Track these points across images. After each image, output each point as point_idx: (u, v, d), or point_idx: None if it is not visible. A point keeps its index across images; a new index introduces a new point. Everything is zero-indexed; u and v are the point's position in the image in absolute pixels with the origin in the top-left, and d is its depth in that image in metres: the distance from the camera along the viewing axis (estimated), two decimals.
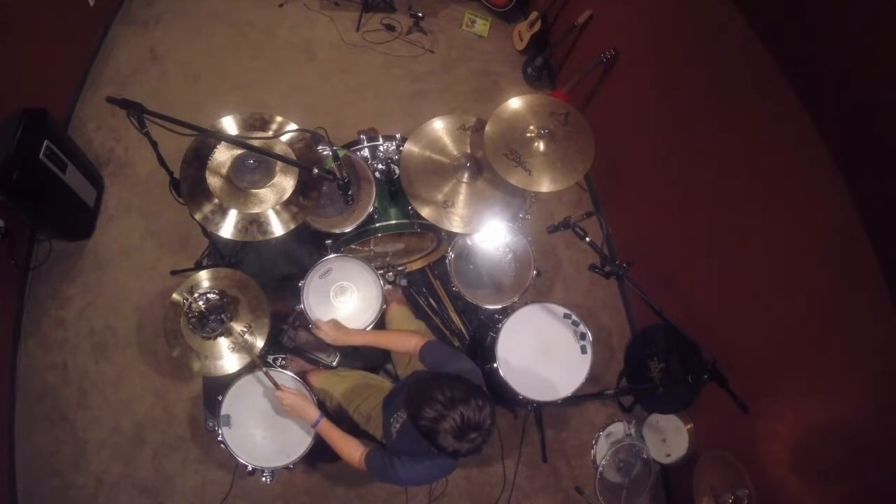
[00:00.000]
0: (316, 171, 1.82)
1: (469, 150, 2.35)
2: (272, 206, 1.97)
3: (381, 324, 2.26)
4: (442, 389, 1.41)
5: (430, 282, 2.83)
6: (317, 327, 1.96)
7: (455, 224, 2.26)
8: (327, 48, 3.61)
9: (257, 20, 3.63)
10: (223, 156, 1.99)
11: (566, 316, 2.32)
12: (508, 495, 2.63)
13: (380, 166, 2.34)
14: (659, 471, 2.69)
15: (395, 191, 2.33)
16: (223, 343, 2.03)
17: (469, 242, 2.51)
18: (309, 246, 2.70)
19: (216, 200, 1.94)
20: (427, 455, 1.57)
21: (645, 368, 2.63)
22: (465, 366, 1.68)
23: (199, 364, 2.03)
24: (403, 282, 2.67)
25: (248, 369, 2.04)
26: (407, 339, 1.86)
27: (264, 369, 1.94)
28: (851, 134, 1.71)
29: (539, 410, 2.74)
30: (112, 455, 2.52)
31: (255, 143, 1.89)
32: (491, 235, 2.47)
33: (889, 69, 1.54)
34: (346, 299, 2.24)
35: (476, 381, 1.57)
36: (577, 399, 2.53)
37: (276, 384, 1.92)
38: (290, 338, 2.55)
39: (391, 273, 2.64)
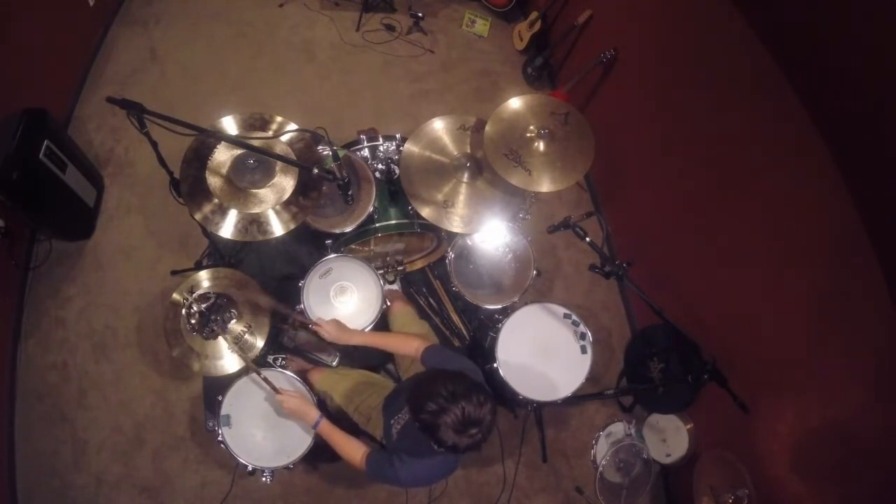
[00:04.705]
0: (316, 171, 1.82)
1: (469, 150, 2.35)
2: (272, 206, 1.97)
3: (381, 324, 2.26)
4: (444, 384, 1.42)
5: (430, 282, 2.83)
6: (318, 326, 1.96)
7: (455, 224, 2.26)
8: (327, 48, 3.61)
9: (257, 20, 3.63)
10: (223, 156, 1.99)
11: (566, 316, 2.32)
12: (508, 495, 2.63)
13: (380, 166, 2.34)
14: (659, 471, 2.69)
15: (395, 191, 2.33)
16: (223, 343, 2.02)
17: (469, 242, 2.51)
18: (309, 246, 2.70)
19: (216, 200, 1.94)
20: (427, 455, 1.57)
21: (645, 368, 2.63)
22: (466, 365, 1.69)
23: (199, 364, 2.03)
24: (402, 276, 2.67)
25: (248, 369, 2.03)
26: (409, 343, 1.86)
27: (262, 375, 1.93)
28: (851, 134, 1.71)
29: (539, 410, 2.74)
30: (112, 455, 2.52)
31: (255, 143, 1.89)
32: (491, 235, 2.47)
33: (889, 69, 1.54)
34: (346, 299, 2.24)
35: (477, 380, 1.58)
36: (577, 399, 2.53)
37: (274, 388, 1.91)
38: (290, 338, 2.56)
39: (391, 273, 2.64)
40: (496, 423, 1.50)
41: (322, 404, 2.12)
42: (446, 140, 2.36)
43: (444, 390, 1.40)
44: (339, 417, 2.13)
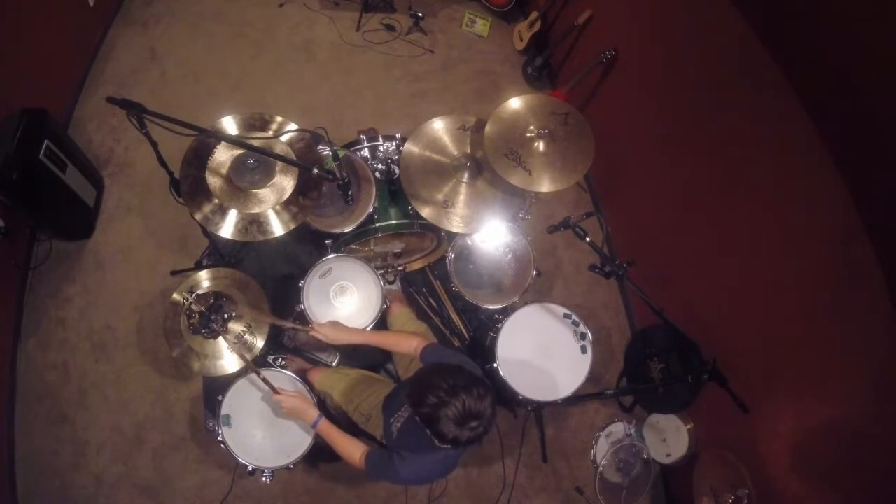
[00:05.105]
0: (316, 171, 1.82)
1: (469, 150, 2.35)
2: (272, 206, 1.97)
3: (381, 324, 2.26)
4: (444, 378, 1.42)
5: (430, 282, 2.83)
6: (315, 330, 1.92)
7: (455, 224, 2.26)
8: (327, 48, 3.61)
9: (257, 20, 3.63)
10: (223, 156, 1.99)
11: (566, 316, 2.32)
12: (508, 495, 2.63)
13: (380, 166, 2.34)
14: (659, 471, 2.69)
15: (395, 191, 2.33)
16: (223, 343, 2.02)
17: (469, 242, 2.51)
18: (309, 246, 2.70)
19: (216, 200, 1.94)
20: (428, 452, 1.57)
21: (645, 368, 2.64)
22: (465, 361, 1.69)
23: (199, 364, 2.03)
24: (403, 276, 2.67)
25: (248, 369, 2.03)
26: (408, 341, 1.86)
27: (261, 374, 1.93)
28: (851, 134, 1.71)
29: (539, 410, 2.74)
30: (112, 455, 2.52)
31: (255, 143, 1.89)
32: (491, 235, 2.47)
33: (889, 68, 1.54)
34: (346, 299, 2.24)
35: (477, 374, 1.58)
36: (577, 399, 2.53)
37: (273, 388, 1.91)
38: (290, 338, 2.57)
39: (391, 273, 2.64)
40: (496, 418, 1.51)
41: (322, 404, 2.12)
42: (446, 140, 2.36)
43: (444, 383, 1.40)
44: (338, 417, 2.13)
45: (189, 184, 1.95)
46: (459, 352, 2.59)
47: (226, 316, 2.04)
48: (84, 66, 3.26)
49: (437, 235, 2.50)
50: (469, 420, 1.39)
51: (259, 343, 2.07)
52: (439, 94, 3.58)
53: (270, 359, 2.43)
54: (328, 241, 2.36)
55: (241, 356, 1.97)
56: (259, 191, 1.98)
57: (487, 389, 1.44)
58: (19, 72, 2.64)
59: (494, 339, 2.29)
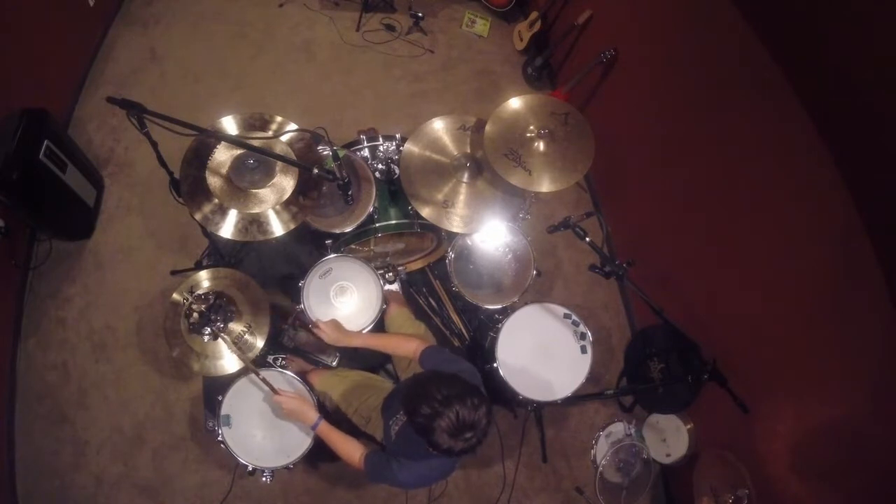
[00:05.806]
0: (316, 171, 1.82)
1: (469, 150, 2.35)
2: (272, 206, 1.97)
3: (381, 324, 2.26)
4: (438, 387, 1.42)
5: (430, 282, 2.83)
6: (317, 327, 1.96)
7: (455, 224, 2.26)
8: (327, 48, 3.61)
9: (257, 20, 3.63)
10: (223, 156, 1.99)
11: (566, 316, 2.32)
12: (508, 495, 2.63)
13: (380, 166, 2.34)
14: (659, 471, 2.69)
15: (395, 191, 2.33)
16: (223, 343, 2.02)
17: (469, 242, 2.51)
18: (309, 246, 2.70)
19: (216, 200, 1.94)
20: (425, 456, 1.57)
21: (645, 368, 2.64)
22: (463, 367, 1.69)
23: (199, 364, 2.03)
24: (403, 276, 2.67)
25: (248, 369, 2.03)
26: (407, 344, 1.86)
27: (261, 375, 1.93)
28: (851, 134, 1.71)
29: (539, 410, 2.74)
30: (112, 455, 2.52)
31: (255, 143, 1.89)
32: (491, 235, 2.47)
33: (889, 68, 1.54)
34: (346, 299, 2.24)
35: (474, 382, 1.58)
36: (577, 399, 2.53)
37: (273, 389, 1.91)
38: (290, 338, 2.56)
39: (391, 273, 2.64)
40: (493, 425, 1.50)
41: (322, 406, 2.12)
42: (446, 140, 2.35)
43: (438, 394, 1.40)
44: (338, 419, 2.13)
45: (189, 184, 1.95)
46: (459, 353, 2.60)
47: (226, 316, 2.04)
48: (84, 66, 3.26)
49: (437, 235, 2.50)
50: (463, 431, 1.38)
51: (259, 343, 2.07)
52: (439, 94, 3.58)
53: (270, 359, 2.42)
54: (328, 241, 2.36)
55: (241, 357, 1.97)
56: (259, 191, 1.98)
57: (482, 399, 1.43)
58: (19, 72, 2.64)
59: (494, 340, 2.29)
